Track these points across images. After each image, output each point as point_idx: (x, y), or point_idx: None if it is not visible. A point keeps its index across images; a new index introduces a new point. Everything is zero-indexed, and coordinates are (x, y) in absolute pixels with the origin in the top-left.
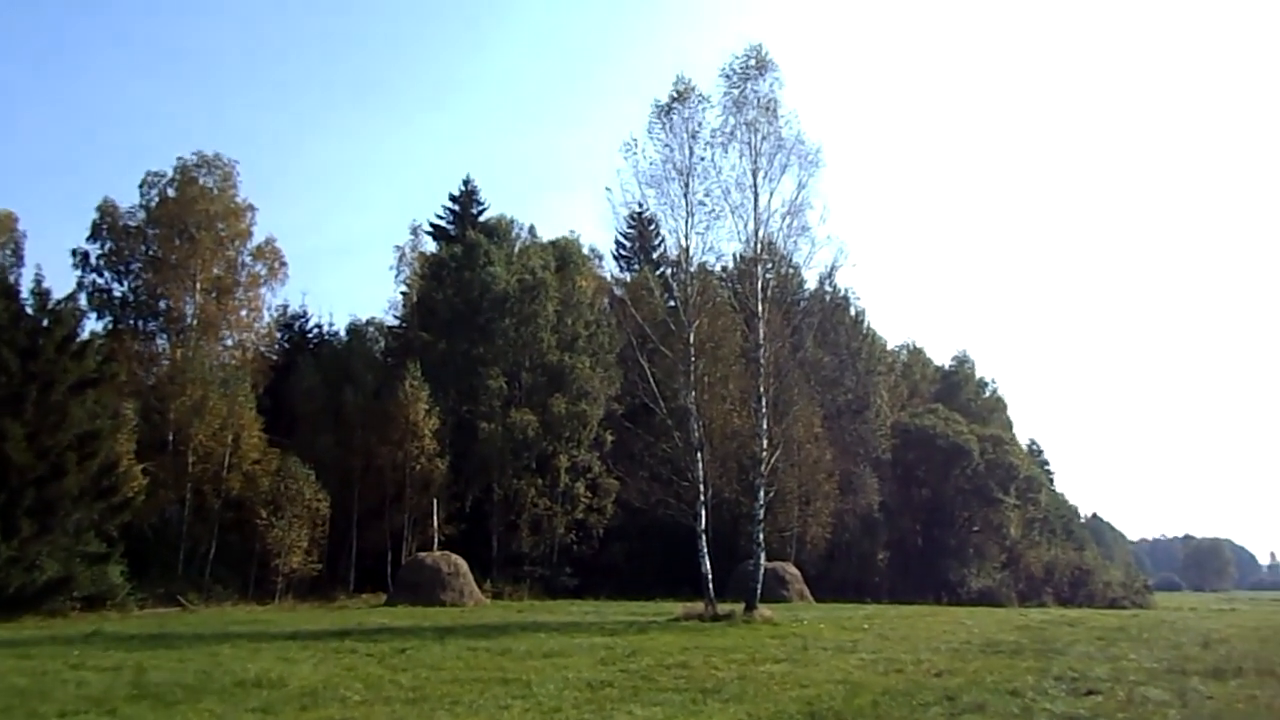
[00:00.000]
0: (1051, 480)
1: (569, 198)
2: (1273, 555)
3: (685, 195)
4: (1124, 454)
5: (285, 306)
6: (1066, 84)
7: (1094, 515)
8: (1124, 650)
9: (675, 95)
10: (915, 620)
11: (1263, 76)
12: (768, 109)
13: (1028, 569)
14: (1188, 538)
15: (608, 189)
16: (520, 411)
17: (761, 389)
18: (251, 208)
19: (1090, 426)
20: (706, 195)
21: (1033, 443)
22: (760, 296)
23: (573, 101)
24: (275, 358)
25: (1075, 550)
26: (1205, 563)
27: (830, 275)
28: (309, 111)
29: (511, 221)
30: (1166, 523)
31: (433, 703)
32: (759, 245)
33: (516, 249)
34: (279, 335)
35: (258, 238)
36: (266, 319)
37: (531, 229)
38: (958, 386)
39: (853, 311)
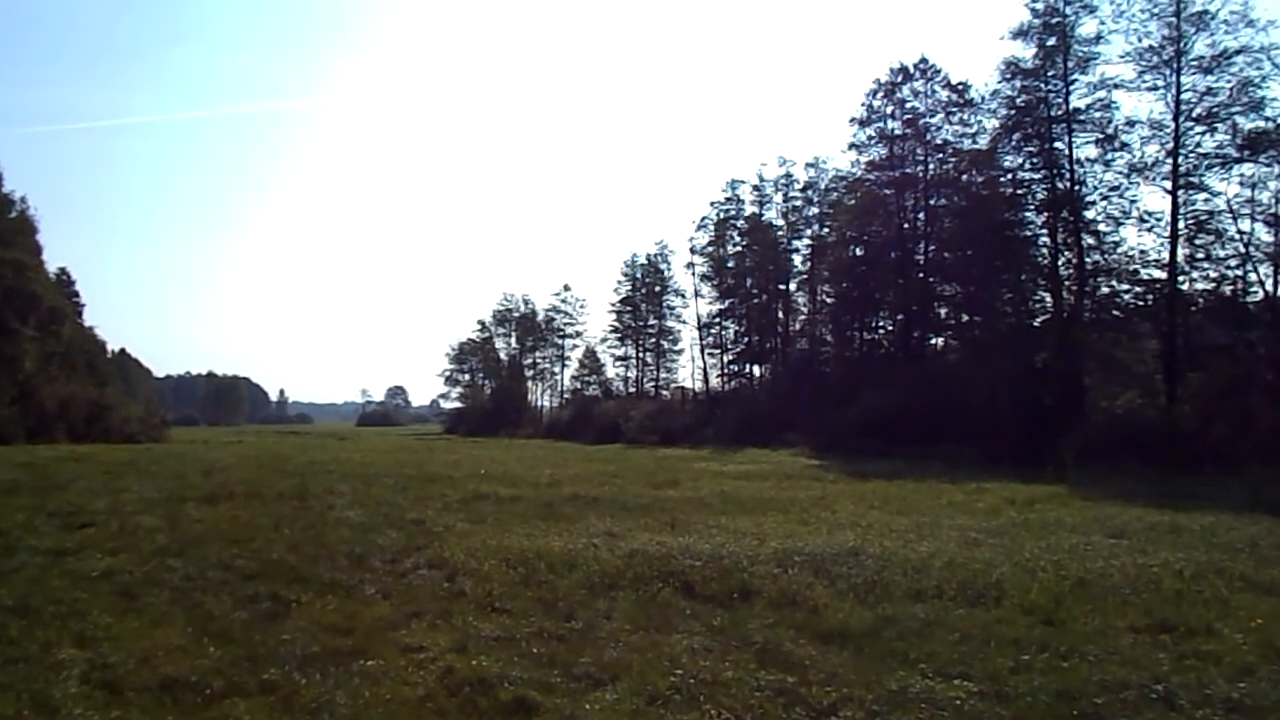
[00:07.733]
0: (80, 313)
1: None
2: (281, 392)
3: None
4: (161, 293)
5: None
6: None
7: (122, 351)
8: (128, 483)
9: None
10: None
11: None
12: None
13: (41, 405)
14: (210, 375)
15: None
16: None
17: None
18: None
19: (129, 263)
20: None
21: (63, 271)
22: None
23: None
24: None
25: (96, 386)
26: (223, 399)
27: None
28: None
29: None
30: (192, 360)
31: None
32: None
33: None
34: None
35: None
36: None
37: None
38: None
39: None
